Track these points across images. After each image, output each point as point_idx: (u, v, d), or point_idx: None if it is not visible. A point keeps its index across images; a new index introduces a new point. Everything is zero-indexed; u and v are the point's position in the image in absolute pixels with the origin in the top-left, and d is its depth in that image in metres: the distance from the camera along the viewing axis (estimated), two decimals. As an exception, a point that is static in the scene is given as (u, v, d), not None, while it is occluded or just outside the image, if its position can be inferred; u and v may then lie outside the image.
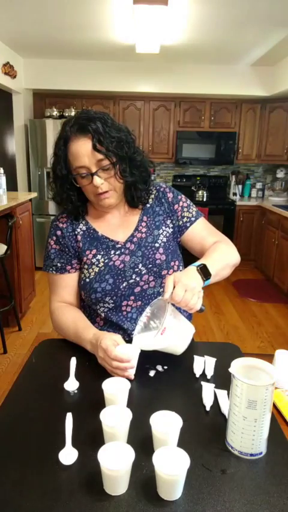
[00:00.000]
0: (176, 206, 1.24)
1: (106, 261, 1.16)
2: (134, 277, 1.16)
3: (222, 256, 1.14)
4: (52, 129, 4.34)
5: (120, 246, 1.18)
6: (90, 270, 1.16)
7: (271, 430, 0.77)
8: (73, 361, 0.99)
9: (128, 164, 1.12)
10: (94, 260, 1.17)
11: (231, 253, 1.19)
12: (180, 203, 1.25)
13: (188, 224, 1.24)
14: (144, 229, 1.20)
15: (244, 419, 0.75)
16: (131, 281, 1.16)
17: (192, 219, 1.24)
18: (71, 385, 0.95)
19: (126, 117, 4.72)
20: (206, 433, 0.82)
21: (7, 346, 2.89)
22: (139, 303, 1.17)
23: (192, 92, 4.53)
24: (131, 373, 0.97)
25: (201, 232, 1.24)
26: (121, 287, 1.15)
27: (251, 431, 0.75)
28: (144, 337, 1.03)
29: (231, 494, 0.68)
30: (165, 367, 1.04)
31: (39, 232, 4.60)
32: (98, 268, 1.16)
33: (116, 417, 0.76)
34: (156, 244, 1.19)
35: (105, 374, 0.95)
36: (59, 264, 1.20)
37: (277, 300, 3.98)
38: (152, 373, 1.01)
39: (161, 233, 1.21)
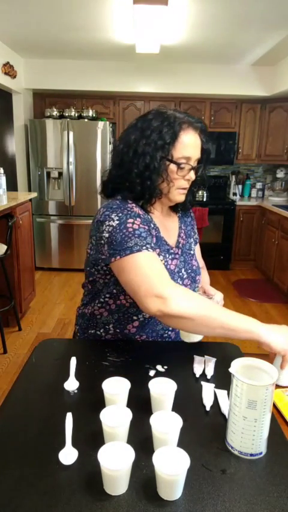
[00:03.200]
0: (193, 222, 1.37)
1: (165, 263, 1.14)
2: (178, 281, 1.18)
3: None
4: (52, 129, 4.34)
5: (172, 250, 1.19)
6: None
7: (271, 430, 0.77)
8: (73, 361, 0.99)
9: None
10: None
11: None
12: (194, 221, 1.37)
13: (197, 240, 1.36)
14: (184, 236, 1.26)
15: (244, 419, 0.75)
16: None
17: (197, 237, 1.37)
18: (71, 385, 0.95)
19: (126, 117, 4.72)
20: (206, 433, 0.82)
21: (7, 346, 2.89)
22: None
23: (192, 92, 4.53)
24: None
25: (199, 254, 1.38)
26: None
27: (251, 431, 0.75)
28: None
29: (231, 494, 0.68)
30: (165, 367, 1.04)
31: (39, 232, 4.60)
32: None
33: (116, 417, 0.76)
34: (192, 252, 1.26)
35: (105, 374, 0.95)
36: (153, 245, 1.05)
37: (277, 300, 3.98)
38: (152, 373, 1.01)
39: (192, 242, 1.29)
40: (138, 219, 1.05)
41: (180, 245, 1.22)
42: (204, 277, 1.38)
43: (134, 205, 1.10)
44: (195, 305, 0.94)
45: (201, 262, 1.40)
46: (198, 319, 0.93)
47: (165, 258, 1.15)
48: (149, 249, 1.00)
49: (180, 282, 1.18)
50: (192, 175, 1.11)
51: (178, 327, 1.05)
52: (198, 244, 1.39)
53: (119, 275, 1.04)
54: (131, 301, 1.12)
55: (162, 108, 1.12)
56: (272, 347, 0.93)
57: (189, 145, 1.07)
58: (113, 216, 1.05)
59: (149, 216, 1.14)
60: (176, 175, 1.09)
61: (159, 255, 1.12)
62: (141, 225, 1.04)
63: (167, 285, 0.95)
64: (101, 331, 1.20)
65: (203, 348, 1.16)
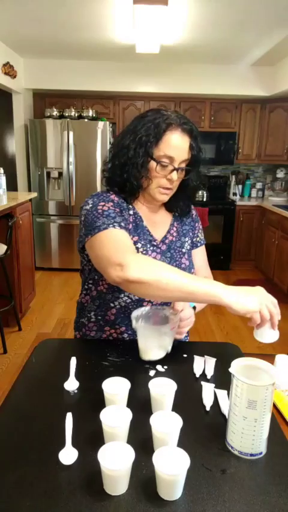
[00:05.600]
0: (196, 224, 1.35)
1: (143, 253, 1.16)
2: None
3: None
4: (52, 129, 4.34)
5: (155, 243, 1.20)
6: None
7: (271, 430, 0.78)
8: (73, 361, 0.99)
9: (195, 174, 1.18)
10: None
11: None
12: (199, 224, 1.36)
13: (198, 244, 1.34)
14: (174, 234, 1.26)
15: (244, 419, 0.75)
16: None
17: (202, 242, 1.36)
18: (71, 385, 0.95)
19: (126, 117, 4.72)
20: (206, 433, 0.82)
21: (7, 346, 2.89)
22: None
23: (192, 92, 4.53)
24: None
25: (201, 259, 1.35)
26: None
27: (251, 431, 0.75)
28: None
29: (231, 494, 0.68)
30: (165, 367, 1.04)
31: (39, 232, 4.60)
32: None
33: (116, 417, 0.76)
34: (183, 250, 1.26)
35: (105, 374, 0.95)
36: (123, 224, 1.07)
37: (277, 300, 3.97)
38: (152, 373, 1.02)
39: (186, 241, 1.28)
40: (110, 203, 1.10)
41: (167, 241, 1.22)
42: None
43: (114, 194, 1.15)
44: (152, 269, 0.93)
45: (206, 271, 1.37)
46: (154, 283, 0.91)
47: (144, 247, 1.16)
48: (116, 227, 1.03)
49: None
50: (174, 176, 1.10)
51: (139, 294, 1.04)
52: (203, 248, 1.36)
53: (90, 254, 1.08)
54: (107, 286, 1.16)
55: (162, 108, 1.15)
56: (233, 309, 0.89)
57: (173, 145, 1.08)
58: (89, 201, 1.12)
59: (130, 205, 1.17)
60: (156, 173, 1.10)
61: (137, 242, 1.14)
62: (111, 207, 1.09)
63: (127, 254, 0.96)
64: (85, 319, 1.24)
65: (203, 348, 1.16)
